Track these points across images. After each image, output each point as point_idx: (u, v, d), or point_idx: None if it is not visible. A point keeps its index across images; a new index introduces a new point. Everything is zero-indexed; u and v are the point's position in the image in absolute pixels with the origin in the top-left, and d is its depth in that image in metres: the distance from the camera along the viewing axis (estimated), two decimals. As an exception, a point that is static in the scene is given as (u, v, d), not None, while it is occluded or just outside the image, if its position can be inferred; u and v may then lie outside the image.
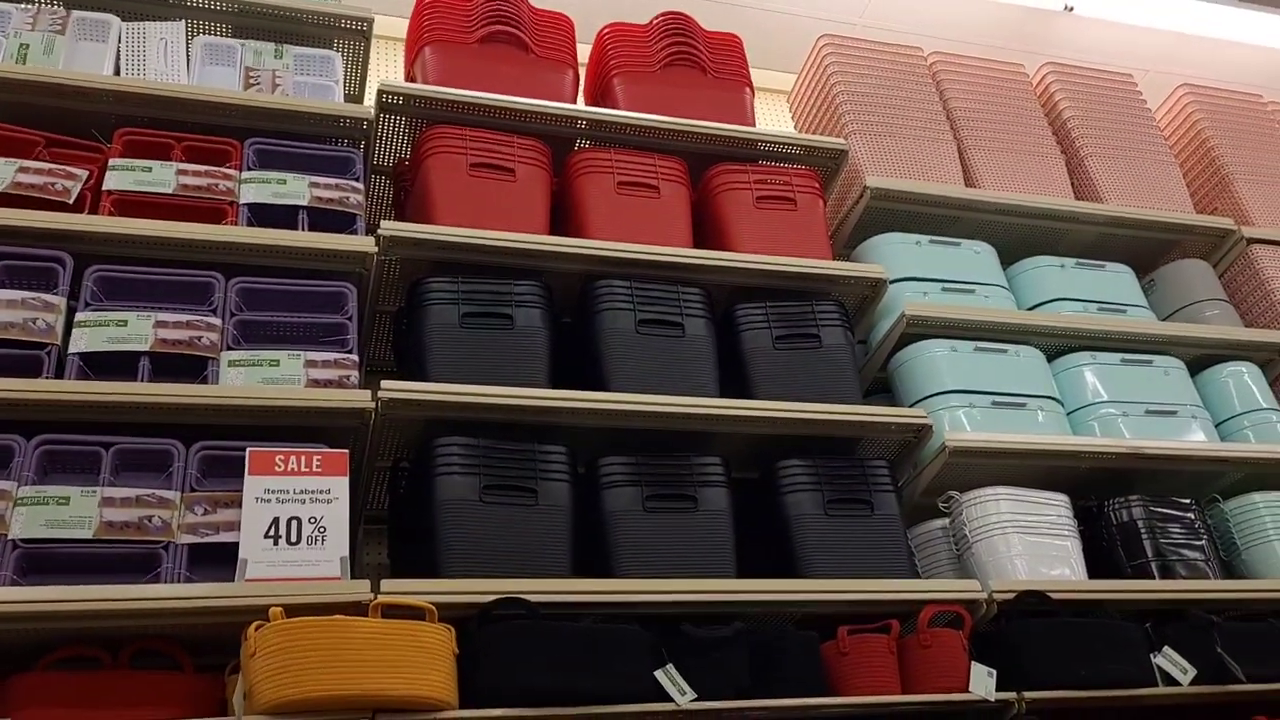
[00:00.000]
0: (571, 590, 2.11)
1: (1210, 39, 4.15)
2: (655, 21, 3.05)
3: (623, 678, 2.01)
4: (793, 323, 2.67)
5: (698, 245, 2.75)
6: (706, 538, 2.31)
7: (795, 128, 3.48)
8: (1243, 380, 3.14)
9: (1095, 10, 3.95)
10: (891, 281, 2.88)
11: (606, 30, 3.05)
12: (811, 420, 2.53)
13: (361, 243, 2.37)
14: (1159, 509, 2.77)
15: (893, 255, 2.97)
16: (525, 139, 2.69)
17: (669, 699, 2.03)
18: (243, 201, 2.38)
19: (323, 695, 1.74)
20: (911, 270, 2.96)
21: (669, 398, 2.42)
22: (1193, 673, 2.44)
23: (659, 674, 2.04)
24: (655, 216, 2.73)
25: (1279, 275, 3.32)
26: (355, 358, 2.24)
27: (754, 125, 3.02)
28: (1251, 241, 3.39)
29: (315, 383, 2.15)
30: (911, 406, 2.75)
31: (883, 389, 2.95)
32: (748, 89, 3.07)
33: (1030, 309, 3.07)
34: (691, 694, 2.04)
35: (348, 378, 2.19)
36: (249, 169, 2.44)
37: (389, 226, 2.43)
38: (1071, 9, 3.90)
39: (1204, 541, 2.78)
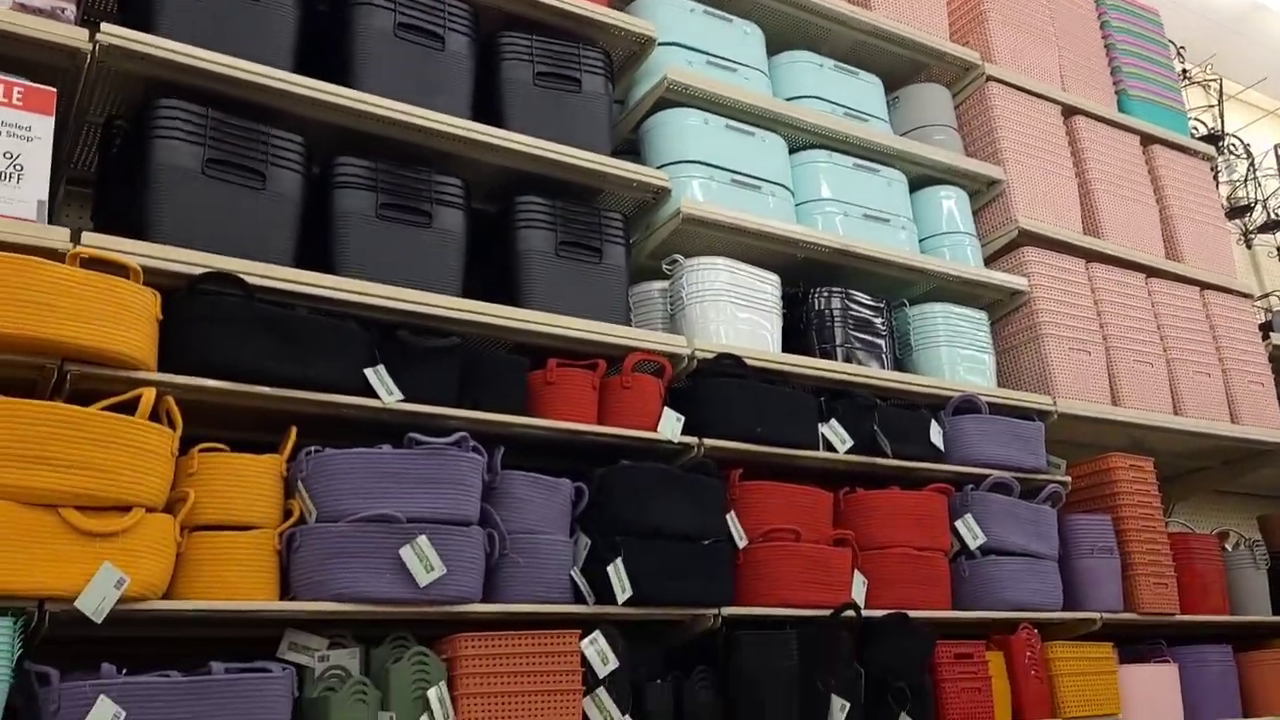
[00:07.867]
0: (292, 279, 2.07)
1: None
2: None
3: (333, 370, 2.03)
4: (556, 61, 2.64)
5: (473, -38, 2.62)
6: (436, 254, 2.31)
7: None
8: (951, 204, 3.44)
9: None
10: (659, 44, 2.89)
11: None
12: (558, 162, 2.55)
13: None
14: (853, 303, 3.04)
15: (665, 17, 2.96)
16: None
17: (376, 396, 2.07)
18: None
19: (6, 333, 1.64)
20: (680, 37, 2.98)
21: (417, 109, 2.35)
22: (850, 443, 2.76)
23: (369, 372, 2.07)
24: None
25: (1005, 114, 3.59)
26: (75, -6, 2.01)
27: None
28: (990, 79, 3.62)
29: (23, 7, 1.92)
30: (656, 169, 2.82)
31: (631, 151, 2.99)
32: None
33: (785, 100, 3.18)
34: (399, 395, 2.09)
35: (63, 10, 1.97)
36: None
37: None
38: None
39: (885, 338, 3.09)
